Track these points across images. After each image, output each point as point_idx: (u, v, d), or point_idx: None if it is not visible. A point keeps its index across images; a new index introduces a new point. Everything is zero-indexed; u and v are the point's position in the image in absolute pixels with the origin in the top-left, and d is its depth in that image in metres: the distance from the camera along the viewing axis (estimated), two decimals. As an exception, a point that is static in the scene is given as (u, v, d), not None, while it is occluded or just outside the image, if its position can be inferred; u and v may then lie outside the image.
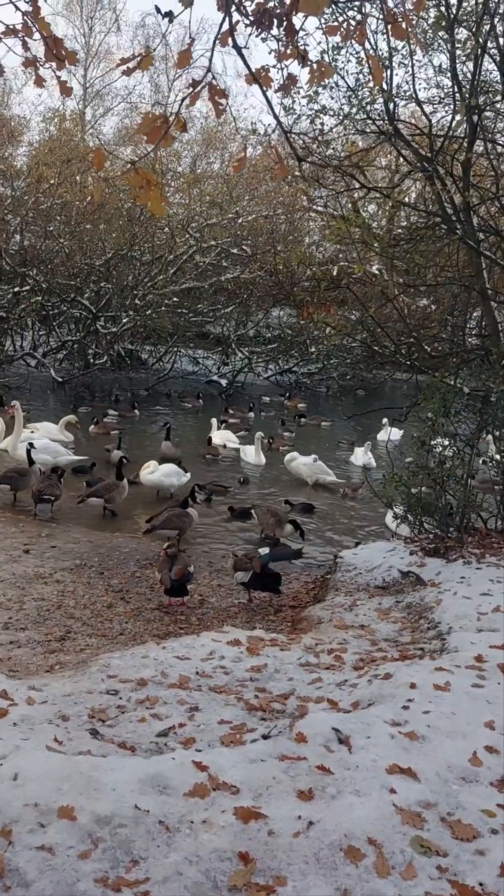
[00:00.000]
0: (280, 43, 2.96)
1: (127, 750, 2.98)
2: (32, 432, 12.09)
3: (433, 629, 4.81)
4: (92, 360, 19.23)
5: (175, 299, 18.70)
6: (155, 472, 10.14)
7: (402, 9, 3.39)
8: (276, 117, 3.18)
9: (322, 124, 8.30)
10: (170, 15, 3.30)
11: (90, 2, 30.01)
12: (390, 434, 15.38)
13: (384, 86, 6.25)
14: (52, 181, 16.60)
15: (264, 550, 6.92)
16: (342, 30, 3.11)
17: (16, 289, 17.34)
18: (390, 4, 3.03)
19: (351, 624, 5.12)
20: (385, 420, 15.83)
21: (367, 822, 2.47)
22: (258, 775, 2.66)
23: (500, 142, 8.76)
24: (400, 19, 3.17)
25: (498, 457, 6.81)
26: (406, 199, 10.86)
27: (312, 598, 6.63)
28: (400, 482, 6.27)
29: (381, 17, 3.19)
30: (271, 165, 16.18)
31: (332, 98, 8.04)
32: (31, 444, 9.91)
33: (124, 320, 18.23)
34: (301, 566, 8.23)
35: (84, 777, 2.48)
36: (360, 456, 13.39)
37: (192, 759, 2.70)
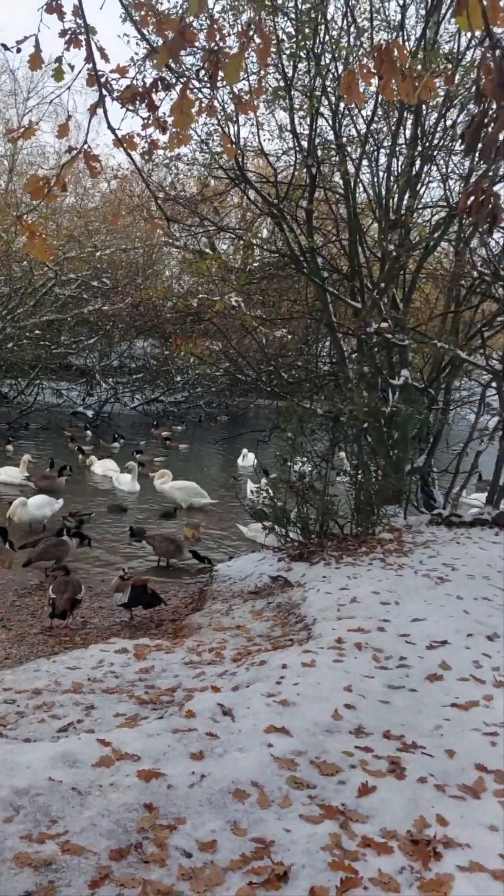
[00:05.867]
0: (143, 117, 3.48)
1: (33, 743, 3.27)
2: None
3: (300, 622, 5.41)
4: (-50, 396, 18.66)
5: (37, 332, 18.60)
6: (27, 507, 10.15)
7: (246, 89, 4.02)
8: (147, 185, 3.68)
9: (177, 168, 8.93)
10: (18, 49, 3.71)
11: None
12: (246, 458, 16.08)
13: (232, 145, 7.00)
14: None
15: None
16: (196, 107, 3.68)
17: None
18: (236, 90, 3.62)
19: (228, 626, 5.61)
20: (245, 450, 16.53)
21: (250, 770, 2.95)
22: (155, 745, 3.06)
23: (338, 189, 9.80)
24: (244, 99, 3.78)
25: (350, 469, 7.63)
26: (259, 236, 11.73)
27: (191, 609, 7.05)
28: (268, 497, 6.88)
29: (231, 97, 3.79)
30: (126, 201, 16.70)
31: (186, 147, 8.70)
32: None
33: (-17, 354, 17.91)
34: (179, 583, 8.62)
35: (0, 760, 2.77)
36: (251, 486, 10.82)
37: (96, 738, 3.05)
